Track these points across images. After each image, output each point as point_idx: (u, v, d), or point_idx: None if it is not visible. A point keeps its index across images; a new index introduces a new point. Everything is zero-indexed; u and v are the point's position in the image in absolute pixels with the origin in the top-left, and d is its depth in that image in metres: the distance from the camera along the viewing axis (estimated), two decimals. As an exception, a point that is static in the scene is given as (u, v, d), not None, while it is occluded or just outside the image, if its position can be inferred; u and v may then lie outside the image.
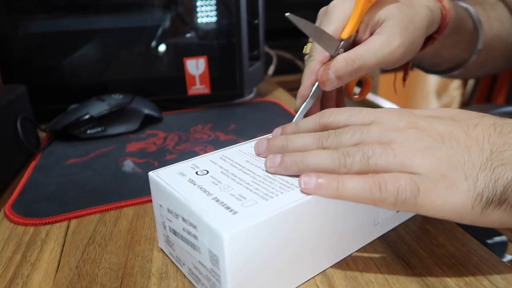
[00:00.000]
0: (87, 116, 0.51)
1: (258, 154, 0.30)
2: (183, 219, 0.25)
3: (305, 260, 0.26)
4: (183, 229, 0.25)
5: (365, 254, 0.29)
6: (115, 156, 0.47)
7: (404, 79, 0.46)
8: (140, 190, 0.39)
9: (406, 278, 0.26)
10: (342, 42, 0.33)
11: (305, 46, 0.38)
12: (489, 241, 0.44)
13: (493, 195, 0.22)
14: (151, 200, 0.37)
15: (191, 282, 0.27)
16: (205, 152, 0.46)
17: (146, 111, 0.56)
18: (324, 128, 0.29)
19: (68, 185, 0.40)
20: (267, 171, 0.27)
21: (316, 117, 0.29)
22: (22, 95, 0.49)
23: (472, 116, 0.25)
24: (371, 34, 0.34)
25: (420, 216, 0.33)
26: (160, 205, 0.28)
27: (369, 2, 0.33)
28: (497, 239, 0.45)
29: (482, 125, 0.24)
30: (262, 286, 0.24)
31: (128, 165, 0.44)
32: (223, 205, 0.23)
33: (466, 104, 1.50)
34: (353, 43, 0.35)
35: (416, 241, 0.30)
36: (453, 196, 0.22)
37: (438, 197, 0.22)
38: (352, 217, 0.27)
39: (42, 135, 0.55)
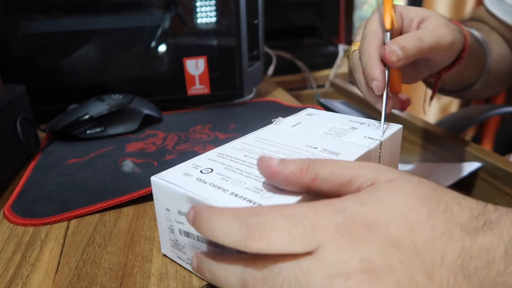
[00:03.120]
0: (86, 116, 0.51)
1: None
2: None
3: None
4: None
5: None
6: (114, 156, 0.47)
7: (431, 98, 0.49)
8: (139, 190, 0.39)
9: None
10: (388, 34, 0.36)
11: (349, 47, 0.40)
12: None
13: None
14: (151, 200, 0.37)
15: (191, 283, 0.27)
16: (205, 152, 0.46)
17: (146, 111, 0.56)
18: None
19: (68, 185, 0.40)
20: None
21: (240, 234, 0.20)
22: (22, 95, 0.49)
23: (438, 233, 0.19)
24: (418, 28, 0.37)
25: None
26: (167, 209, 0.27)
27: None
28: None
29: (448, 259, 0.18)
30: None
31: (128, 165, 0.44)
32: (244, 199, 0.23)
33: (466, 104, 1.50)
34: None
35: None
36: None
37: None
38: None
39: (42, 135, 0.55)
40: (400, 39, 0.34)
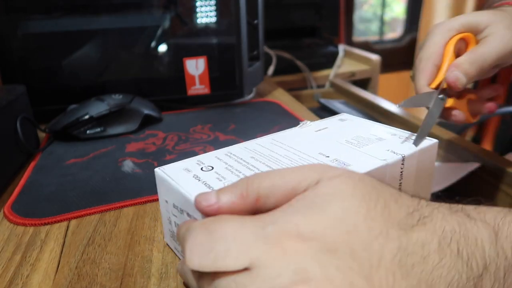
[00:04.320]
0: (86, 116, 0.51)
1: None
2: (188, 215, 0.25)
3: None
4: None
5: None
6: (114, 156, 0.47)
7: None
8: (139, 190, 0.39)
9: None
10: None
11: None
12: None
13: None
14: (151, 200, 0.37)
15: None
16: (205, 152, 0.46)
17: (146, 111, 0.56)
18: None
19: (68, 185, 0.40)
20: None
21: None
22: (22, 95, 0.49)
23: (375, 234, 0.18)
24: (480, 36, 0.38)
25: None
26: (166, 201, 0.28)
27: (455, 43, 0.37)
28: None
29: (386, 259, 0.18)
30: None
31: (128, 165, 0.44)
32: None
33: (465, 104, 1.50)
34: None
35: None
36: None
37: None
38: None
39: (42, 135, 0.55)
40: (463, 64, 0.35)
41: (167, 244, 0.31)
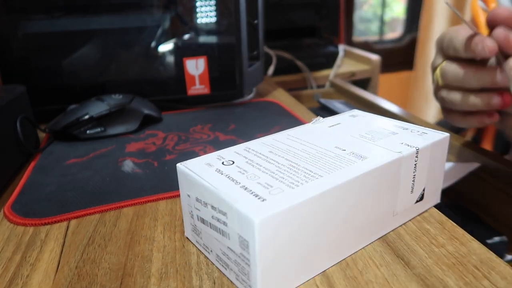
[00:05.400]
0: (86, 117, 0.51)
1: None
2: (212, 207, 0.26)
3: (329, 247, 0.27)
4: (212, 216, 0.26)
5: (365, 254, 0.29)
6: (114, 156, 0.47)
7: None
8: (139, 190, 0.39)
9: (406, 278, 0.26)
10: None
11: (436, 68, 0.40)
12: (489, 241, 0.44)
13: None
14: (151, 200, 0.37)
15: (220, 270, 0.27)
16: (205, 152, 0.46)
17: (146, 111, 0.56)
18: None
19: (68, 185, 0.40)
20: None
21: None
22: (22, 95, 0.49)
23: None
24: None
25: (420, 216, 0.33)
26: (188, 195, 0.28)
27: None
28: (497, 239, 0.45)
29: None
30: (288, 269, 0.25)
31: (128, 165, 0.44)
32: (251, 193, 0.24)
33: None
34: None
35: (416, 241, 0.30)
36: None
37: None
38: (374, 205, 0.28)
39: (42, 135, 0.55)
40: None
41: (188, 238, 0.31)
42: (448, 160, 0.54)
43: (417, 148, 0.30)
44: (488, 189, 0.48)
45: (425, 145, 0.31)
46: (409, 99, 1.79)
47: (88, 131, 0.52)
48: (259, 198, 0.24)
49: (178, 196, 0.38)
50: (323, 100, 0.80)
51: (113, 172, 0.43)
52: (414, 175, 0.31)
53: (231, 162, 0.29)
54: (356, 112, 0.40)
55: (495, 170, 0.47)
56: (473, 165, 0.48)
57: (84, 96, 0.56)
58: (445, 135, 0.33)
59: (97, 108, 0.52)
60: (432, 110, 1.70)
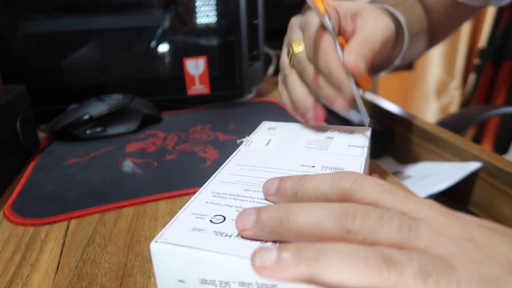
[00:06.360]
0: (86, 116, 0.51)
1: (242, 231, 0.21)
2: (241, 284, 0.19)
3: None
4: None
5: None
6: (114, 156, 0.47)
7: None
8: (139, 190, 0.39)
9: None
10: (326, 17, 0.33)
11: (289, 48, 0.38)
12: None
13: None
14: (151, 200, 0.37)
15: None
16: (205, 152, 0.46)
17: (146, 111, 0.56)
18: (343, 197, 0.21)
19: (68, 185, 0.40)
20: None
21: (332, 177, 0.21)
22: (22, 95, 0.49)
23: None
24: (353, 23, 0.37)
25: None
26: (182, 281, 0.21)
27: None
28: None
29: None
30: None
31: (128, 165, 0.44)
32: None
33: (465, 104, 1.50)
34: (338, 33, 0.36)
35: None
36: None
37: None
38: None
39: (42, 135, 0.55)
40: (359, 49, 0.33)
41: None
42: (448, 160, 0.54)
43: (365, 146, 0.32)
44: (488, 189, 0.48)
45: (366, 141, 0.33)
46: (409, 99, 1.79)
47: (88, 131, 0.52)
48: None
49: (178, 196, 0.38)
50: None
51: (113, 172, 0.43)
52: (364, 170, 0.32)
53: (222, 218, 0.23)
54: (268, 124, 0.40)
55: (495, 170, 0.47)
56: (473, 165, 0.48)
57: (84, 96, 0.56)
58: (369, 129, 0.35)
59: (97, 108, 0.52)
60: (432, 110, 1.70)
